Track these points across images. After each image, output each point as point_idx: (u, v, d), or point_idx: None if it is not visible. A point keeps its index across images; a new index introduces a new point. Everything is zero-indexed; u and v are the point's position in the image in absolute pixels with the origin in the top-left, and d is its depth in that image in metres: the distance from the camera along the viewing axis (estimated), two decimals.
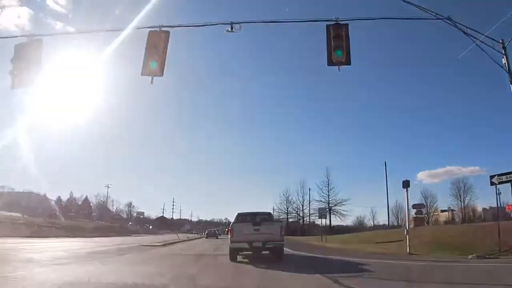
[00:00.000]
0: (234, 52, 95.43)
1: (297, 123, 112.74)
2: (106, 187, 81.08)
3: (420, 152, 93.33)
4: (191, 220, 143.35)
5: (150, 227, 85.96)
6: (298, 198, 77.85)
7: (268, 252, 12.82)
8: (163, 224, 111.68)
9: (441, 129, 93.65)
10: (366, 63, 77.78)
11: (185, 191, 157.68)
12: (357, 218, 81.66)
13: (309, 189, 72.20)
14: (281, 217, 79.28)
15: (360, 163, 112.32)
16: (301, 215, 77.69)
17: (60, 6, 77.46)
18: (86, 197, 68.89)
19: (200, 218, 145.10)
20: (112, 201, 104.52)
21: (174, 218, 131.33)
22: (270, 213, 15.27)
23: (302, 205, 76.71)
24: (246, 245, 12.07)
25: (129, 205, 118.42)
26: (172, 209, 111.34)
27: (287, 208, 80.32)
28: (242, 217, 13.64)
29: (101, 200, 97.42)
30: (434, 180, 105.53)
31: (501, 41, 10.48)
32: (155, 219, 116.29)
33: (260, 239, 12.00)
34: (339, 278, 8.06)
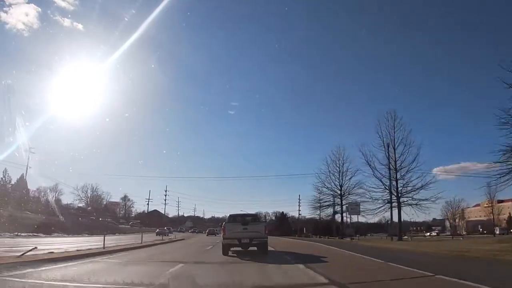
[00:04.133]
0: (239, 47, 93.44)
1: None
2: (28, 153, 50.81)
3: (433, 148, 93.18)
4: (194, 215, 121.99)
5: (130, 223, 64.21)
6: (387, 151, 38.23)
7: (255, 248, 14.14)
8: (157, 221, 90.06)
9: (453, 124, 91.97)
10: None
11: (193, 186, 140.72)
12: None
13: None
14: (325, 203, 54.24)
15: None
16: (396, 191, 37.53)
17: (67, 2, 73.12)
18: (22, 176, 48.09)
19: (213, 215, 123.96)
20: (94, 191, 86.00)
21: (172, 212, 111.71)
22: (256, 214, 19.23)
23: (394, 168, 37.53)
24: (236, 241, 13.52)
25: (124, 198, 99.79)
26: (165, 200, 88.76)
27: (341, 186, 47.38)
28: (233, 218, 15.27)
29: (95, 193, 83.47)
30: (449, 176, 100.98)
31: None
32: (146, 214, 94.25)
33: (248, 236, 13.44)
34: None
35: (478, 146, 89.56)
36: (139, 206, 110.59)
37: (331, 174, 48.65)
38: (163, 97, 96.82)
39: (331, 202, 50.01)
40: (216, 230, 52.32)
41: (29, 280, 6.36)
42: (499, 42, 74.43)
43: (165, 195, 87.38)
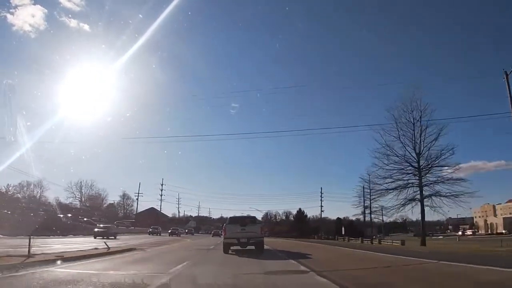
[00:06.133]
0: (239, 46, 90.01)
1: None
2: None
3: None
4: (199, 215, 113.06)
5: (115, 223, 55.34)
6: None
7: (253, 247, 15.60)
8: (153, 220, 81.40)
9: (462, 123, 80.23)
10: None
11: (197, 183, 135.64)
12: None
13: None
14: (392, 183, 35.98)
15: None
16: None
17: (73, 3, 74.88)
18: None
19: (221, 215, 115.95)
20: (89, 189, 78.65)
21: (165, 209, 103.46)
22: (254, 216, 19.31)
23: None
24: (235, 241, 15.06)
25: (123, 196, 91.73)
26: (161, 195, 79.71)
27: (418, 154, 29.91)
28: (232, 220, 16.60)
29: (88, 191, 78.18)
30: (459, 175, 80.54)
31: None
32: (141, 212, 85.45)
33: (246, 236, 15.05)
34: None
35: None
36: (141, 203, 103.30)
37: (400, 135, 30.45)
38: (163, 96, 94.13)
39: (403, 182, 31.15)
40: (220, 232, 46.71)
41: None
42: (500, 42, 75.07)
43: (161, 189, 78.25)
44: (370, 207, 43.38)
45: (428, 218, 40.64)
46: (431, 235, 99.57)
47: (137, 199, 74.13)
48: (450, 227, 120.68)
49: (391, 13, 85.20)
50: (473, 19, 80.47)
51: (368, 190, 41.18)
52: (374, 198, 38.48)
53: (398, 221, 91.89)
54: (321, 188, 75.18)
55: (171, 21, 39.64)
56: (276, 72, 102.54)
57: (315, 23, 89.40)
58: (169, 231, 51.57)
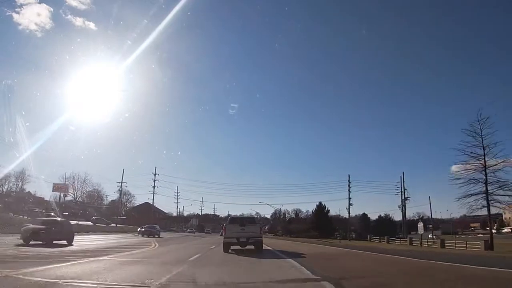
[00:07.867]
0: (239, 46, 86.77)
1: None
2: None
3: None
4: (202, 213, 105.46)
5: (93, 218, 48.01)
6: None
7: (253, 246, 16.45)
8: (147, 217, 74.10)
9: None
10: None
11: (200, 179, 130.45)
12: None
13: None
14: None
15: None
16: None
17: (79, 1, 73.49)
18: None
19: (228, 212, 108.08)
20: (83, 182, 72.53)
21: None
22: (253, 217, 20.18)
23: None
24: (235, 240, 15.94)
25: (120, 192, 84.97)
26: (154, 187, 71.85)
27: None
28: (232, 220, 18.18)
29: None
30: (468, 172, 76.50)
31: None
32: (132, 208, 78.29)
33: (245, 236, 15.98)
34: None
35: None
36: (140, 198, 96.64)
37: None
38: (163, 97, 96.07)
39: None
40: None
41: None
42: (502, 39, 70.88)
43: (154, 180, 70.41)
44: (486, 183, 26.91)
45: (444, 215, 28.01)
46: (460, 233, 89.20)
47: (121, 190, 65.94)
48: (476, 224, 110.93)
49: None
50: None
51: (482, 155, 26.83)
52: None
53: (414, 218, 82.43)
54: (349, 176, 61.69)
55: (170, 22, 33.90)
56: (275, 71, 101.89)
57: (314, 22, 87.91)
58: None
